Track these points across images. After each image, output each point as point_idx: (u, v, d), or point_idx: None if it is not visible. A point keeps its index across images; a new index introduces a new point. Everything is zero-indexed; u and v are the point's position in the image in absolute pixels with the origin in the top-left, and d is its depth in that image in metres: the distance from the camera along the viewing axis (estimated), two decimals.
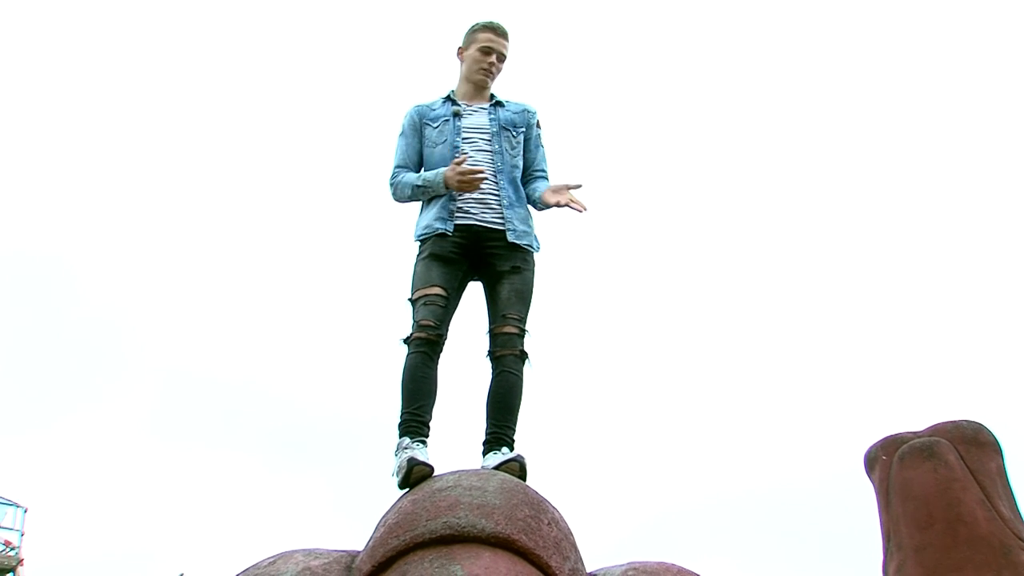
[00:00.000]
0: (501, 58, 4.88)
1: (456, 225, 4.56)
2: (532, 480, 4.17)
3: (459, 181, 4.49)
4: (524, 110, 4.95)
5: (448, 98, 4.91)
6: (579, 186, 4.65)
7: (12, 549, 21.57)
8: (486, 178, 4.56)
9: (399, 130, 4.90)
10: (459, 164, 4.51)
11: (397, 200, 4.80)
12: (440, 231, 4.54)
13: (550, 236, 4.90)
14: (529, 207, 4.81)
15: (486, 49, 4.85)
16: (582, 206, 4.63)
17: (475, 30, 4.90)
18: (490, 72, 4.86)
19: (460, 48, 4.96)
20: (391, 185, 4.80)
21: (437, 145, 4.74)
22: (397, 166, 4.81)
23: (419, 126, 4.84)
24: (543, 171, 4.89)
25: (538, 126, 4.97)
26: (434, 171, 4.63)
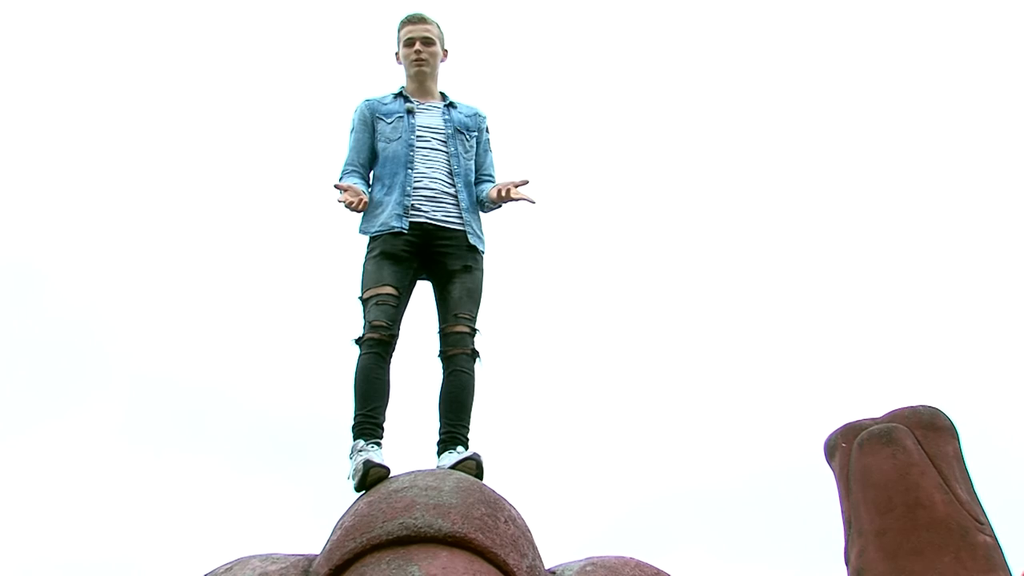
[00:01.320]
0: (427, 42, 4.88)
1: (410, 223, 4.55)
2: (488, 478, 4.17)
3: (344, 205, 4.51)
4: (475, 114, 4.97)
5: (400, 94, 4.89)
6: (526, 182, 4.66)
7: None
8: (365, 203, 4.54)
9: (349, 126, 4.88)
10: (339, 191, 4.52)
11: None
12: (396, 229, 4.52)
13: (499, 229, 4.92)
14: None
15: (408, 41, 4.88)
16: (530, 198, 4.64)
17: (398, 30, 4.95)
18: (422, 60, 4.86)
19: (396, 53, 4.99)
20: (339, 179, 4.77)
21: (392, 141, 4.72)
22: (346, 163, 4.80)
23: (370, 121, 4.82)
24: (491, 175, 4.92)
25: (487, 131, 4.99)
26: (357, 186, 4.62)
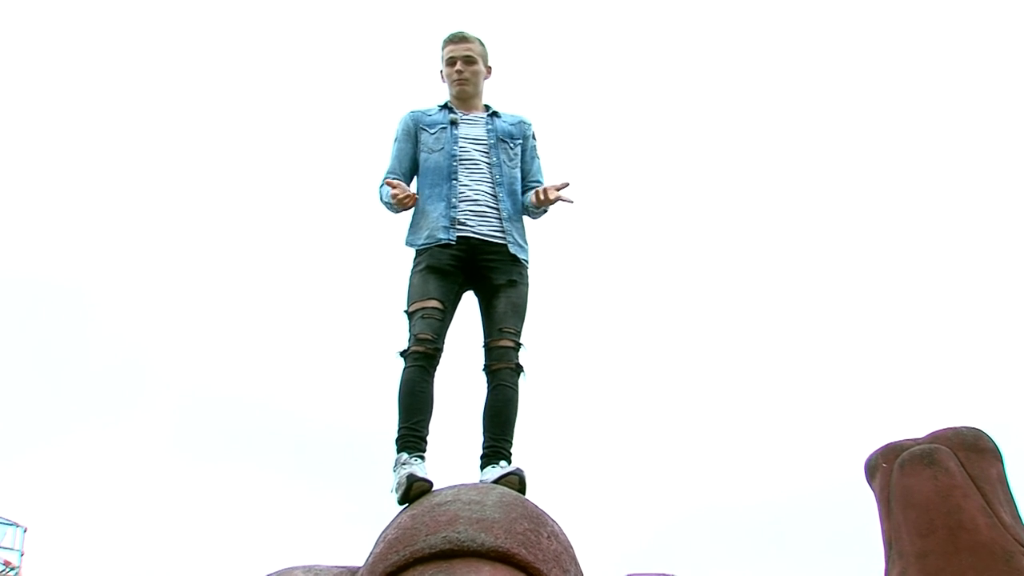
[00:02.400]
0: (469, 61, 4.90)
1: (457, 236, 4.57)
2: (531, 493, 4.16)
3: (395, 202, 4.58)
4: (520, 122, 4.98)
5: (445, 106, 4.93)
6: (566, 184, 4.67)
7: (12, 569, 21.50)
8: (415, 198, 4.62)
9: (393, 135, 4.92)
10: (392, 188, 4.59)
11: (386, 208, 4.82)
12: (443, 241, 4.54)
13: (547, 245, 4.92)
14: (524, 218, 4.84)
15: (450, 60, 4.91)
16: (569, 198, 4.66)
17: (440, 49, 4.99)
18: (464, 79, 4.89)
19: (440, 71, 5.03)
20: (379, 189, 4.83)
21: (434, 152, 4.75)
22: (388, 171, 4.84)
23: (414, 132, 4.85)
24: (538, 182, 4.91)
25: (533, 137, 4.99)
26: (388, 194, 4.67)
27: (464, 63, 4.89)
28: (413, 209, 4.74)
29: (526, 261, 4.71)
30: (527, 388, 4.52)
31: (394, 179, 4.71)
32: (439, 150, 4.75)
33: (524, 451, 4.44)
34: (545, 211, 4.80)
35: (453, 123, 4.82)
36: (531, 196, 4.75)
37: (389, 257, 4.82)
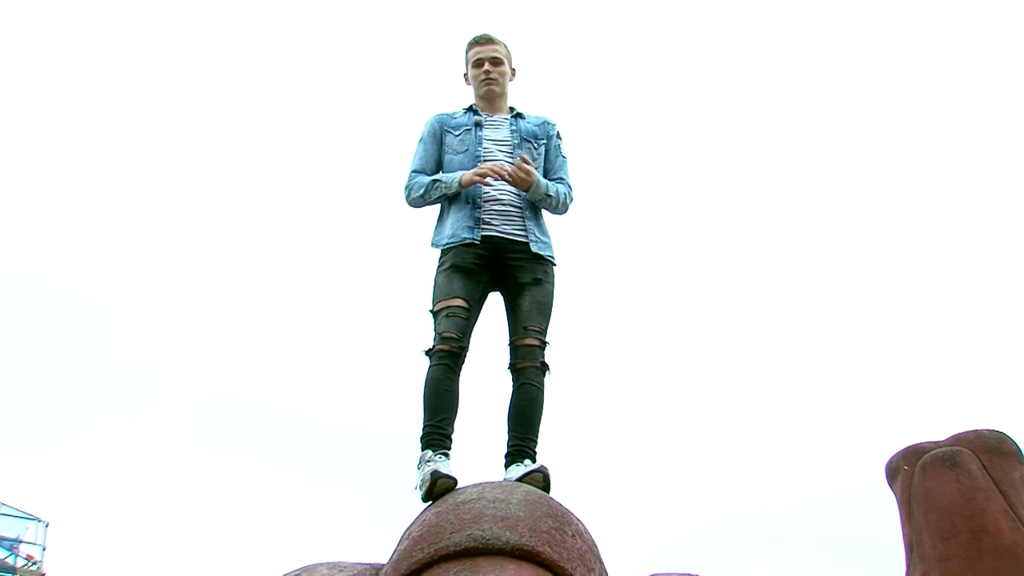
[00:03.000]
0: (496, 62, 4.93)
1: (482, 236, 4.59)
2: (556, 492, 4.17)
3: (476, 173, 4.57)
4: (544, 122, 5.00)
5: (470, 108, 4.96)
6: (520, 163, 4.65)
7: (34, 564, 21.68)
8: (502, 176, 4.60)
9: (418, 136, 4.95)
10: (480, 169, 4.59)
11: (409, 202, 4.83)
12: (468, 240, 4.57)
13: (575, 249, 4.92)
14: (546, 215, 4.85)
15: (477, 62, 4.94)
16: (500, 172, 4.61)
17: (466, 51, 5.02)
18: (491, 80, 4.91)
19: (464, 74, 5.05)
20: (406, 188, 4.84)
21: (458, 153, 4.78)
22: (414, 170, 4.85)
23: (439, 134, 4.89)
24: (561, 178, 4.91)
25: (558, 136, 5.01)
26: (451, 173, 4.69)
27: (491, 64, 4.92)
28: (439, 209, 4.78)
29: (551, 258, 4.72)
30: (553, 387, 4.53)
31: (421, 180, 4.75)
32: (463, 151, 4.78)
33: (549, 450, 4.45)
34: (550, 196, 4.75)
35: (478, 125, 4.86)
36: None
37: (409, 258, 4.85)
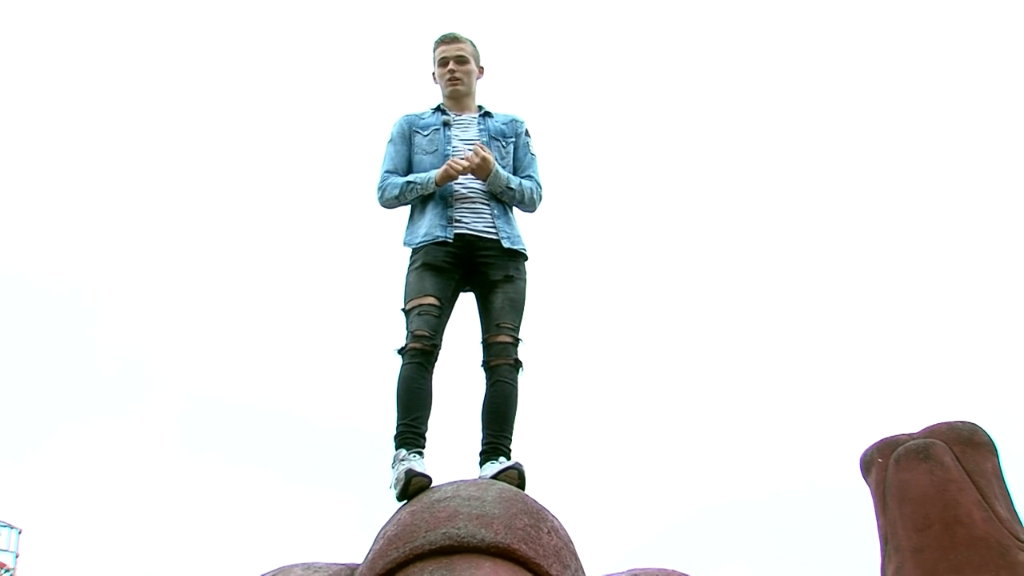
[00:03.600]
0: (461, 61, 4.93)
1: (454, 234, 4.57)
2: (531, 489, 4.17)
3: (445, 171, 4.57)
4: (512, 120, 5.00)
5: (438, 108, 4.95)
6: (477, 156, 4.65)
7: (7, 571, 21.46)
8: (463, 166, 4.59)
9: (387, 137, 4.94)
10: (453, 162, 4.59)
11: (384, 203, 4.81)
12: (440, 238, 4.56)
13: (550, 240, 4.91)
14: (515, 212, 4.85)
15: (442, 61, 4.94)
16: (461, 163, 4.62)
17: (432, 50, 5.01)
18: (456, 79, 4.91)
19: (432, 73, 5.05)
20: (379, 189, 4.82)
21: (428, 153, 4.78)
22: (386, 171, 4.83)
23: (408, 134, 4.88)
24: (531, 177, 4.90)
25: (527, 134, 5.00)
26: (424, 174, 4.68)
27: (456, 63, 4.92)
28: (410, 209, 4.77)
29: (524, 251, 4.71)
30: (527, 383, 4.53)
31: (394, 180, 4.75)
32: (433, 151, 4.77)
33: (524, 447, 4.45)
34: (511, 189, 4.74)
35: (446, 124, 4.86)
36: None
37: (389, 256, 4.83)
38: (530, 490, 4.14)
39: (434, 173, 4.63)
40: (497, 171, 4.67)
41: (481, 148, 4.64)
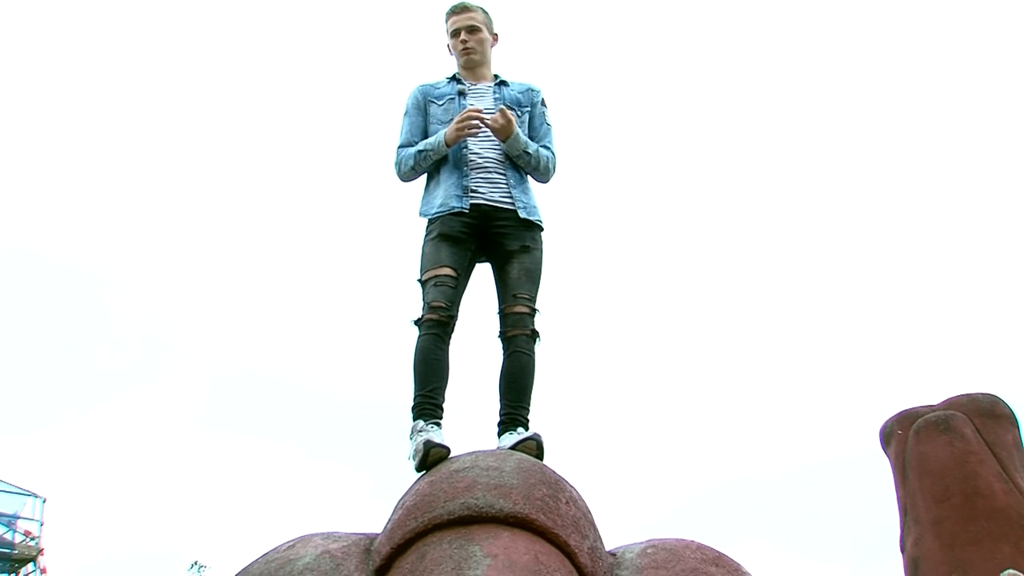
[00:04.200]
0: (472, 30, 4.90)
1: (470, 204, 4.56)
2: (549, 459, 4.16)
3: (457, 127, 4.54)
4: (528, 89, 4.97)
5: (453, 77, 4.92)
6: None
7: (32, 539, 21.77)
8: (480, 126, 4.56)
9: (403, 110, 4.92)
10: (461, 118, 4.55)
11: (401, 176, 4.80)
12: (456, 209, 4.54)
13: (570, 215, 4.88)
14: (534, 181, 4.82)
15: (454, 32, 4.92)
16: (494, 120, 4.59)
17: (445, 22, 4.99)
18: (469, 48, 4.88)
19: (447, 45, 5.03)
20: (395, 164, 4.81)
21: (442, 123, 4.74)
22: (400, 145, 4.82)
23: (423, 105, 4.86)
24: (547, 147, 4.87)
25: (543, 103, 4.97)
26: (432, 137, 4.66)
27: (468, 32, 4.90)
28: (425, 179, 4.74)
29: (539, 222, 4.69)
30: (544, 354, 4.52)
31: (408, 151, 4.72)
32: (447, 121, 4.73)
33: (541, 417, 4.44)
34: (528, 154, 4.72)
35: (461, 94, 4.83)
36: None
37: (405, 229, 4.82)
38: (548, 461, 4.14)
39: (442, 133, 4.60)
40: (517, 133, 4.65)
41: (507, 109, 4.62)
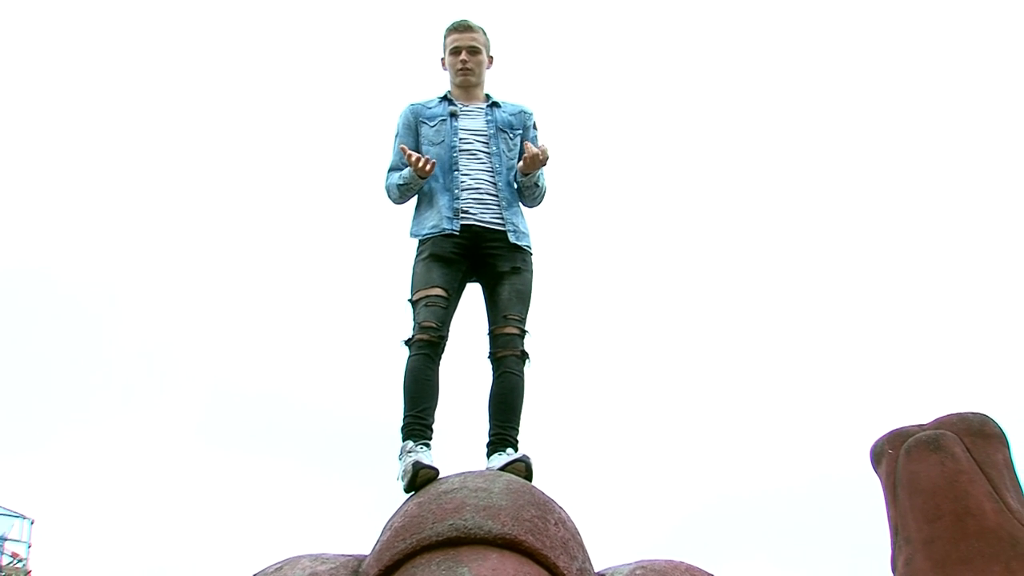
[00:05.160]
0: (473, 51, 4.87)
1: (460, 225, 4.56)
2: (538, 480, 4.16)
3: (415, 170, 4.53)
4: (520, 111, 4.96)
5: (445, 98, 4.91)
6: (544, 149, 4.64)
7: (20, 561, 21.60)
8: (432, 162, 4.54)
9: (394, 130, 4.91)
10: (409, 159, 4.53)
11: (393, 201, 4.80)
12: (448, 231, 4.54)
13: (559, 235, 4.91)
14: (522, 206, 4.82)
15: (454, 50, 4.88)
16: (539, 151, 4.60)
17: (444, 37, 4.96)
18: (467, 69, 4.86)
19: (441, 59, 5.00)
20: (385, 188, 4.82)
21: (435, 145, 4.73)
22: (391, 168, 4.82)
23: (414, 125, 4.84)
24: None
25: (535, 127, 4.97)
26: (407, 168, 4.63)
27: (468, 53, 4.87)
28: (417, 200, 4.74)
29: (528, 248, 4.69)
30: (533, 375, 4.52)
31: (397, 175, 4.72)
32: (439, 143, 4.73)
33: (535, 439, 4.44)
34: (537, 186, 4.75)
35: (453, 115, 4.81)
36: (519, 167, 4.72)
37: (398, 248, 4.82)
38: (537, 482, 4.13)
39: (413, 161, 4.55)
40: (542, 171, 4.70)
41: (546, 150, 4.64)
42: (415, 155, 4.52)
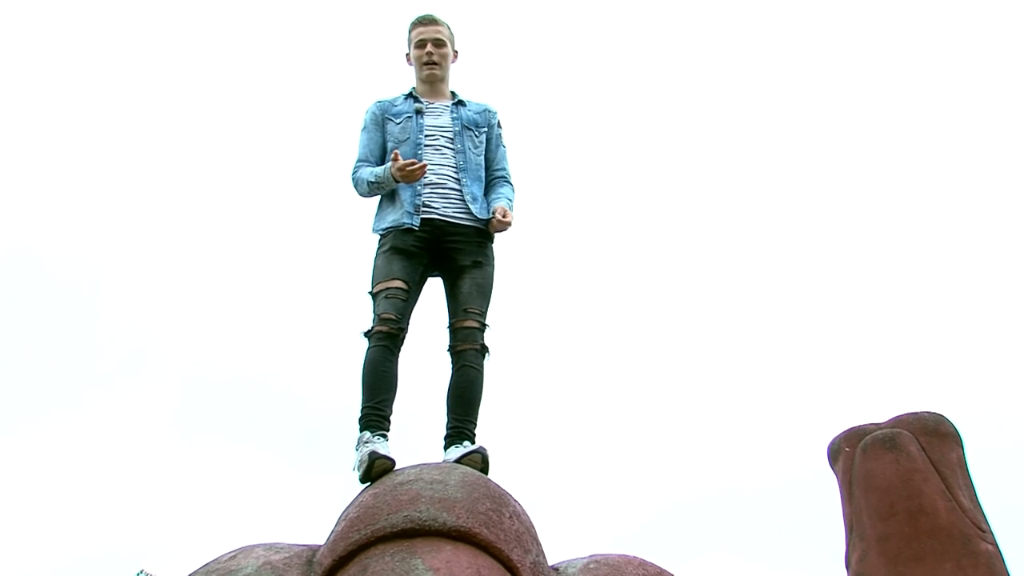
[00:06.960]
0: (438, 44, 4.88)
1: (421, 219, 4.55)
2: (494, 473, 4.18)
3: (401, 174, 4.50)
4: (485, 110, 4.98)
5: (410, 95, 4.91)
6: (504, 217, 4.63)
7: None
8: (425, 166, 4.53)
9: (361, 124, 4.90)
10: (395, 161, 4.50)
11: (359, 194, 4.78)
12: (407, 226, 4.53)
13: (537, 229, 4.91)
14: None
15: (419, 43, 4.89)
16: (501, 226, 4.61)
17: (408, 31, 4.96)
18: (433, 63, 4.87)
19: (406, 54, 5.00)
20: (352, 180, 4.80)
21: (400, 141, 4.74)
22: (359, 160, 4.81)
23: (381, 121, 4.84)
24: (503, 169, 4.92)
25: (499, 126, 4.99)
26: (382, 167, 4.63)
27: (434, 45, 4.88)
28: (379, 196, 4.73)
29: (492, 242, 4.70)
30: (493, 369, 4.54)
31: (367, 170, 4.71)
32: (405, 140, 4.74)
33: (488, 431, 4.45)
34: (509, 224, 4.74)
35: (419, 112, 4.81)
36: (492, 218, 4.69)
37: (361, 242, 4.81)
38: (495, 475, 4.15)
39: (388, 170, 4.54)
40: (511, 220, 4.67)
41: (506, 215, 4.62)
42: (415, 163, 4.50)
